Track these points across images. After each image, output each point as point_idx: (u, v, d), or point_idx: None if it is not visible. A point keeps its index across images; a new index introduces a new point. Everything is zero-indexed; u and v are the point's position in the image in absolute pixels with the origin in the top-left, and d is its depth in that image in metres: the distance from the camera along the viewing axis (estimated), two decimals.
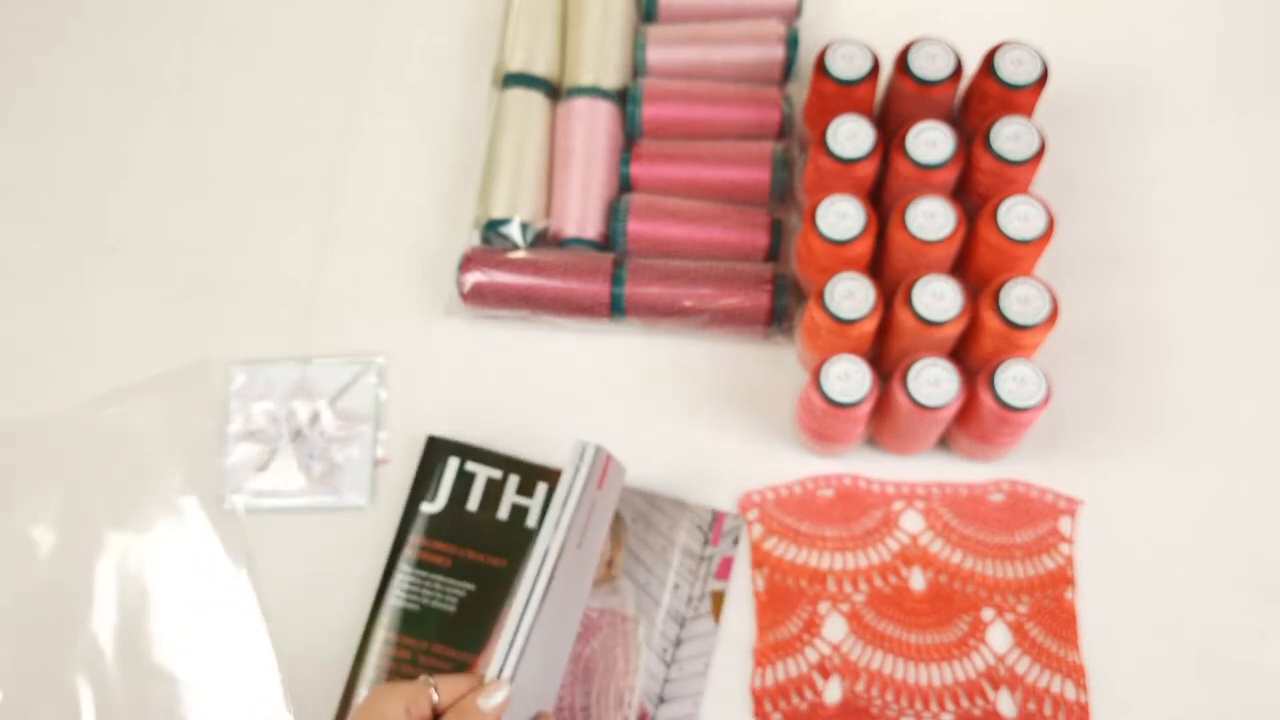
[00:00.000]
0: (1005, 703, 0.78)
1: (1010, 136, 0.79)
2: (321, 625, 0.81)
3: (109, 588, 0.82)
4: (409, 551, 0.82)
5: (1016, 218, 0.77)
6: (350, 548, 0.83)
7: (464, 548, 0.82)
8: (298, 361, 0.88)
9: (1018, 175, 0.80)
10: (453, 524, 0.82)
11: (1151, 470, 0.84)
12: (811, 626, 0.80)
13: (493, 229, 0.89)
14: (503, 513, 0.83)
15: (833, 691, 0.79)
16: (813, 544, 0.82)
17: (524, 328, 0.89)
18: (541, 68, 0.93)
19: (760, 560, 0.82)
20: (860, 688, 0.79)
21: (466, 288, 0.87)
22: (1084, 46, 0.94)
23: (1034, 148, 0.79)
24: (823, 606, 0.81)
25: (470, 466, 0.84)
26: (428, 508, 0.83)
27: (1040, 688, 0.78)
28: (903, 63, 0.82)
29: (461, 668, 0.79)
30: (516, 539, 0.82)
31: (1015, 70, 0.81)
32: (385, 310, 0.90)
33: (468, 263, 0.87)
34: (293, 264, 0.92)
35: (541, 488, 0.83)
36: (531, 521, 0.82)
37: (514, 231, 0.88)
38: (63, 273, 0.92)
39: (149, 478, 0.85)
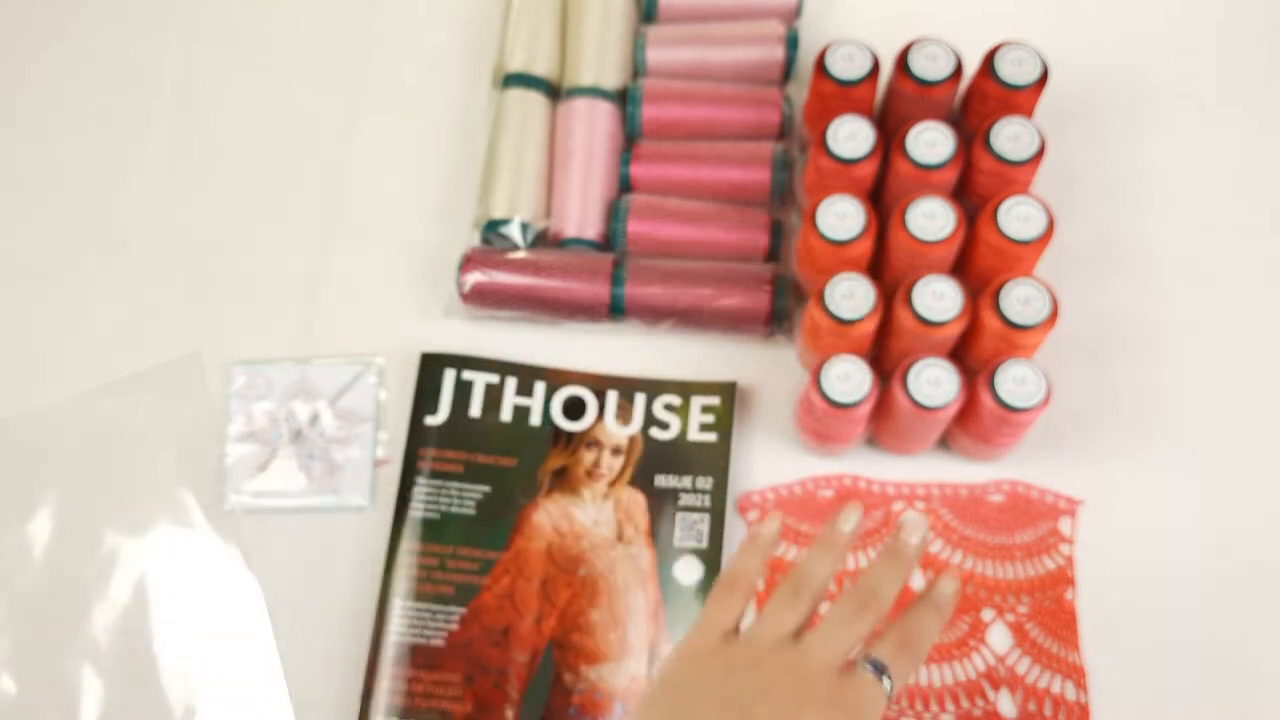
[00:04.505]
0: (1005, 703, 0.78)
1: (1010, 137, 0.79)
2: (322, 625, 0.81)
3: (109, 587, 0.82)
4: (422, 464, 0.83)
5: (1016, 218, 0.77)
6: (350, 548, 0.83)
7: (473, 452, 0.84)
8: (298, 361, 0.88)
9: (1018, 175, 0.80)
10: (459, 432, 0.85)
11: (1151, 470, 0.84)
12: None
13: (493, 229, 0.89)
14: (505, 415, 0.85)
15: None
16: None
17: (524, 328, 0.89)
18: (541, 68, 0.93)
19: None
20: None
21: (466, 288, 0.87)
22: (1084, 46, 0.94)
23: (1034, 148, 0.79)
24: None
25: (467, 375, 0.86)
26: (432, 420, 0.85)
27: (1040, 688, 0.78)
28: (903, 63, 0.82)
29: (488, 567, 0.81)
30: (523, 437, 0.84)
31: (1015, 70, 0.81)
32: (385, 310, 0.90)
33: (468, 263, 0.87)
34: (293, 264, 0.92)
35: (539, 387, 0.85)
36: (534, 420, 0.85)
37: (514, 232, 0.88)
38: (62, 273, 0.92)
39: (145, 475, 0.85)
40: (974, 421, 0.78)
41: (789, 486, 0.84)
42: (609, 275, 0.86)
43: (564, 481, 0.84)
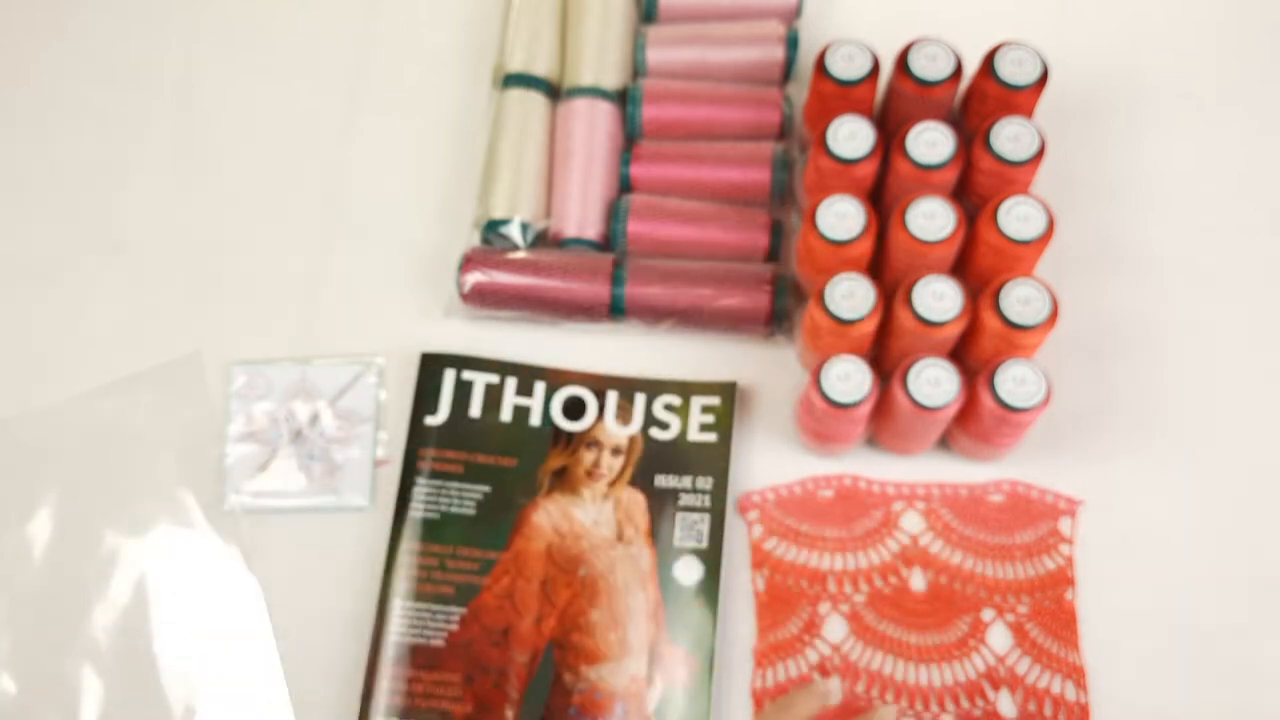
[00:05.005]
0: (1005, 703, 0.78)
1: (1010, 137, 0.79)
2: (322, 625, 0.81)
3: (109, 587, 0.82)
4: (422, 464, 0.84)
5: (1016, 218, 0.77)
6: (350, 548, 0.84)
7: (473, 452, 0.84)
8: (298, 361, 0.88)
9: (1018, 175, 0.80)
10: (459, 432, 0.85)
11: (1151, 470, 0.84)
12: (812, 627, 0.80)
13: (493, 229, 0.89)
14: (505, 415, 0.85)
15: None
16: (813, 544, 0.82)
17: (524, 328, 0.89)
18: (541, 68, 0.93)
19: (760, 561, 0.82)
20: (860, 688, 0.79)
21: (466, 288, 0.87)
22: (1084, 46, 0.94)
23: (1034, 148, 0.79)
24: (823, 607, 0.81)
25: (467, 375, 0.86)
26: (432, 420, 0.85)
27: (1040, 688, 0.78)
28: (903, 63, 0.82)
29: (488, 567, 0.81)
30: (523, 437, 0.84)
31: (1015, 70, 0.81)
32: (385, 310, 0.90)
33: (468, 263, 0.87)
34: (293, 264, 0.92)
35: (539, 387, 0.85)
36: (534, 420, 0.85)
37: (514, 232, 0.88)
38: (62, 273, 0.92)
39: (145, 475, 0.85)
40: (974, 421, 0.78)
41: (789, 486, 0.84)
42: (609, 275, 0.86)
43: (564, 481, 0.84)
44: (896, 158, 0.80)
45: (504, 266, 0.87)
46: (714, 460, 0.84)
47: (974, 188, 0.82)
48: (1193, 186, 0.92)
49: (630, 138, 0.92)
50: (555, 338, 0.88)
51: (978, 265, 0.80)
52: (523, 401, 0.86)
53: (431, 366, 0.87)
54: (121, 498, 0.85)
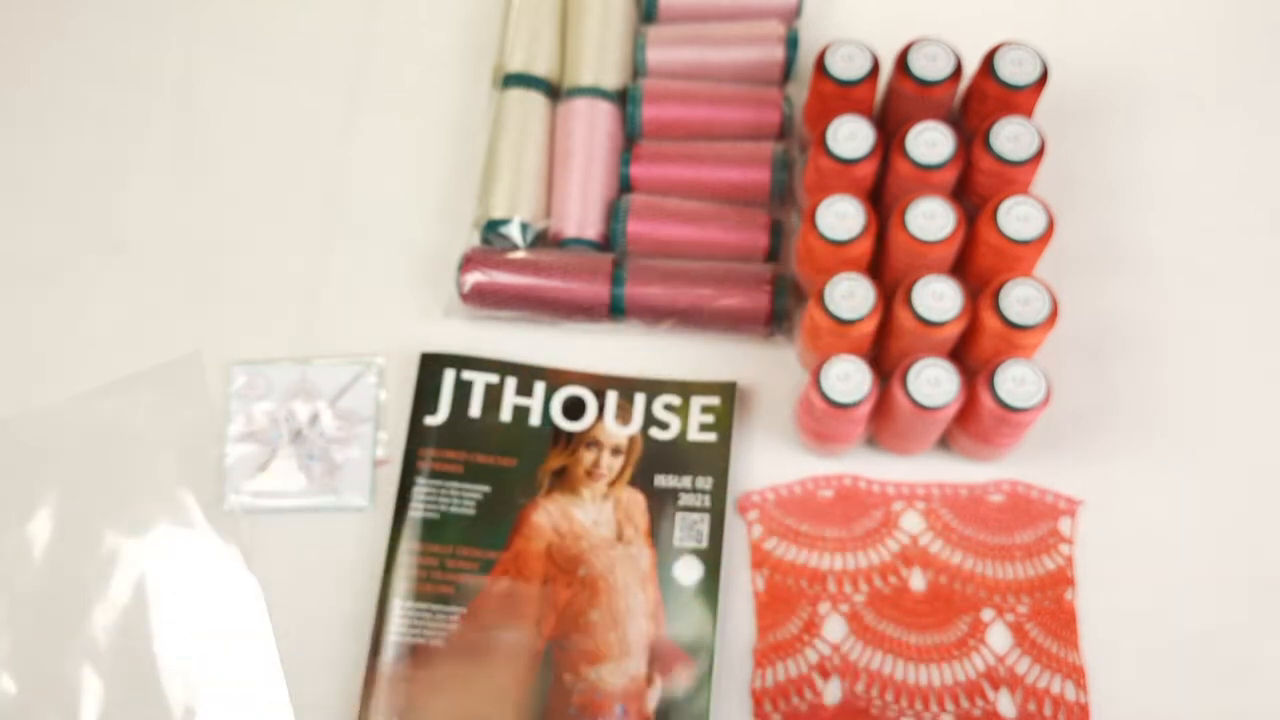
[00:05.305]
0: (1005, 703, 0.78)
1: (1010, 137, 0.79)
2: (322, 625, 0.81)
3: (109, 587, 0.82)
4: (422, 464, 0.84)
5: (1016, 218, 0.77)
6: (350, 548, 0.84)
7: (473, 452, 0.84)
8: (298, 361, 0.88)
9: (1018, 175, 0.80)
10: (458, 432, 0.85)
11: (1151, 470, 0.84)
12: (811, 627, 0.80)
13: (493, 229, 0.89)
14: (505, 415, 0.85)
15: (832, 692, 0.79)
16: (813, 544, 0.82)
17: (524, 328, 0.89)
18: (541, 68, 0.93)
19: (760, 561, 0.82)
20: (860, 688, 0.79)
21: (466, 288, 0.87)
22: (1084, 46, 0.94)
23: (1034, 148, 0.79)
24: (823, 607, 0.81)
25: (467, 375, 0.86)
26: (432, 420, 0.85)
27: (1040, 688, 0.78)
28: (902, 63, 0.82)
29: (487, 566, 0.81)
30: (523, 437, 0.84)
31: (1015, 70, 0.81)
32: (385, 311, 0.90)
33: (468, 263, 0.87)
34: (293, 264, 0.92)
35: (539, 387, 0.85)
36: (534, 420, 0.85)
37: (514, 232, 0.88)
38: (62, 273, 0.92)
39: (145, 475, 0.85)
40: (974, 421, 0.78)
41: (789, 486, 0.84)
42: (609, 275, 0.86)
43: (564, 481, 0.84)
44: (896, 158, 0.80)
45: (504, 266, 0.87)
46: (714, 460, 0.84)
47: (974, 188, 0.82)
48: (1193, 186, 0.92)
49: (630, 138, 0.92)
50: (555, 338, 0.89)
51: (978, 265, 0.80)
52: (522, 401, 0.86)
53: (431, 366, 0.87)
54: (121, 498, 0.85)
